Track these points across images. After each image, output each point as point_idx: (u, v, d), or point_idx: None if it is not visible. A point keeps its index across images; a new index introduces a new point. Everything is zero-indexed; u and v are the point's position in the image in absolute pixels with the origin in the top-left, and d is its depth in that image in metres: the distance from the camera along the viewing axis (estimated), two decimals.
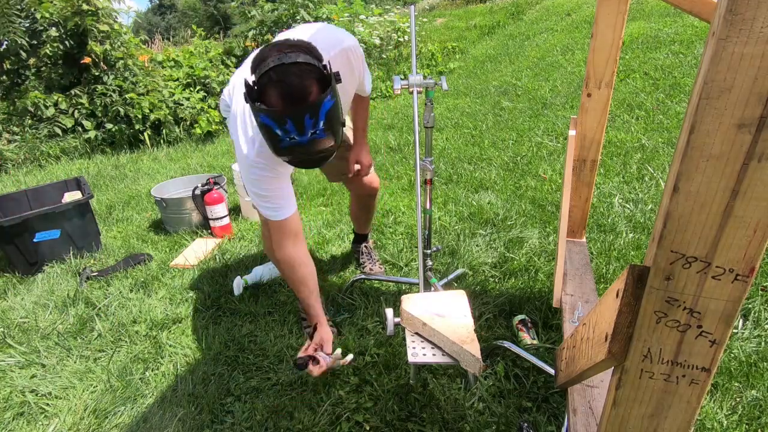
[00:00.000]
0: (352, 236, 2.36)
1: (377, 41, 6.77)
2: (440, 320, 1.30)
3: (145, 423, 1.53)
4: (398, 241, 2.44)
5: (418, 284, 1.79)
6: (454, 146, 3.79)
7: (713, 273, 0.50)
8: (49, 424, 1.56)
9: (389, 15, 7.44)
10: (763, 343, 1.56)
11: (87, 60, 5.05)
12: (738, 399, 1.39)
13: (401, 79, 1.55)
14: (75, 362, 1.82)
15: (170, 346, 1.85)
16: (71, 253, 2.63)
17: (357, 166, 1.85)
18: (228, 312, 2.05)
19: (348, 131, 1.91)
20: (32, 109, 5.02)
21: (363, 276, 2.12)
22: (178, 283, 2.30)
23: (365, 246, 2.31)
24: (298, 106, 1.12)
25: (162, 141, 5.29)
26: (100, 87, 5.10)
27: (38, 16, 4.89)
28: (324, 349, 1.44)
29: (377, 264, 2.26)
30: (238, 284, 2.17)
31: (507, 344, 1.61)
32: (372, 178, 2.02)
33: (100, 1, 5.13)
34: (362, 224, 2.28)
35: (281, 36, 1.40)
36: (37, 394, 1.69)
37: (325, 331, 1.47)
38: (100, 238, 2.79)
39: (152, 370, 1.75)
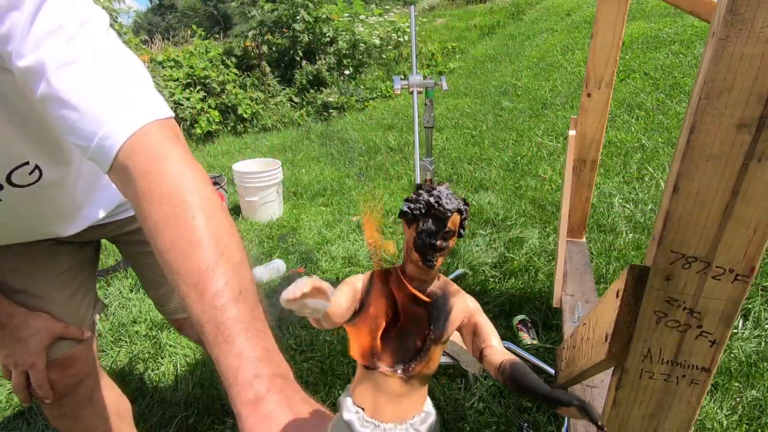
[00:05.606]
0: (352, 235, 2.30)
1: (377, 41, 6.77)
2: None
3: (145, 423, 1.53)
4: (398, 241, 2.44)
5: None
6: (454, 146, 3.78)
7: (713, 273, 0.50)
8: (49, 425, 1.55)
9: (389, 15, 7.44)
10: (763, 343, 1.56)
11: None
12: (738, 399, 1.39)
13: (401, 79, 1.55)
14: None
15: (170, 346, 1.85)
16: None
17: None
18: None
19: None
20: None
21: None
22: None
23: None
24: None
25: None
26: None
27: None
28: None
29: None
30: None
31: (507, 344, 1.61)
32: None
33: (101, 1, 5.13)
34: None
35: None
36: None
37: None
38: None
39: (152, 370, 1.75)
